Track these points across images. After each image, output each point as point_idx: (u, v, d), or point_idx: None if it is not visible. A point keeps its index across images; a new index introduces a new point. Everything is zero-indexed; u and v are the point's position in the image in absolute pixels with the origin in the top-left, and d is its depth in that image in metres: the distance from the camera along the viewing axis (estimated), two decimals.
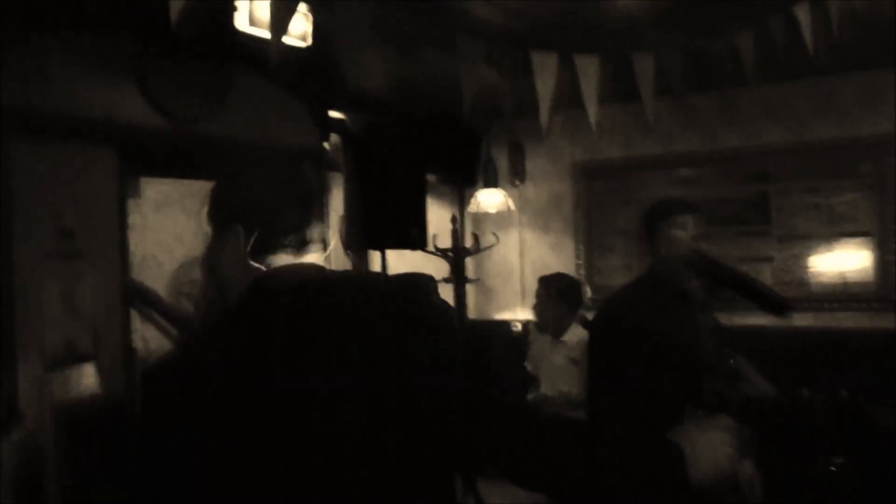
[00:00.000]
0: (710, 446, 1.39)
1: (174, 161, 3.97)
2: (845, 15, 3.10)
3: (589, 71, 3.12)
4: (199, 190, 4.08)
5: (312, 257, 1.43)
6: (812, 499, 4.55)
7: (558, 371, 4.22)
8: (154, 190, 3.96)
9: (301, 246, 1.42)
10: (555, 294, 4.42)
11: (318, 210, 1.49)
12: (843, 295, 5.11)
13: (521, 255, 6.22)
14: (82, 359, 3.40)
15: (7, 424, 2.70)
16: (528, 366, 4.59)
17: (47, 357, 3.28)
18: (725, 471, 1.38)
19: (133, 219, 3.83)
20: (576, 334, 4.25)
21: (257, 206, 1.42)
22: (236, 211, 1.43)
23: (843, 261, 5.17)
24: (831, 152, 5.15)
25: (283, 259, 1.42)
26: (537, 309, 4.58)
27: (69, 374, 3.33)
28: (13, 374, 3.15)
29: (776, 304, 1.57)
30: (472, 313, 6.19)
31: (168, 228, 4.02)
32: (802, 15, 3.06)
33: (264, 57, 2.45)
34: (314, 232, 1.45)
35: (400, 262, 4.62)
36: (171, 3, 1.93)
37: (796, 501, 4.55)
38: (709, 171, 5.57)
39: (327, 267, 1.46)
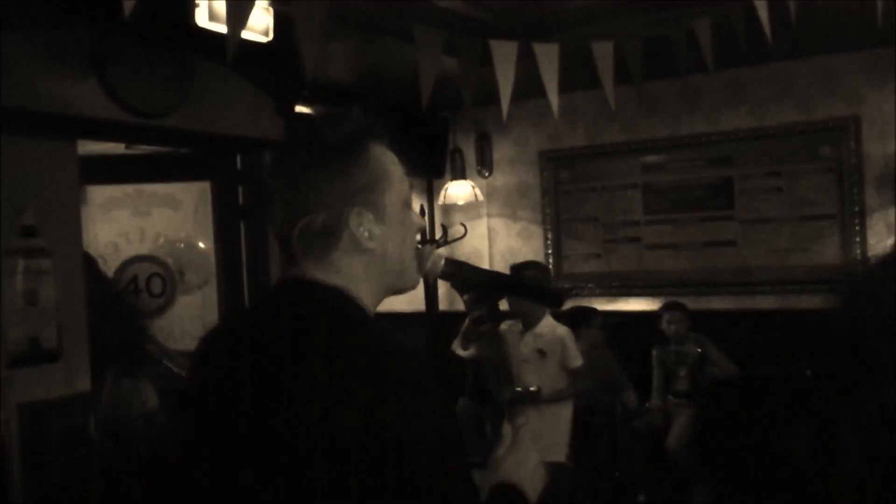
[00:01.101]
0: (527, 467, 1.32)
1: (127, 165, 4.03)
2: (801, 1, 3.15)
3: (549, 59, 3.14)
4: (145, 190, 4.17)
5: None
6: (771, 469, 4.63)
7: (523, 364, 4.17)
8: (99, 194, 4.05)
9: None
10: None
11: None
12: (807, 277, 5.19)
13: (490, 244, 6.25)
14: (47, 357, 3.37)
15: None
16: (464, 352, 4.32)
17: (11, 355, 3.25)
18: (546, 483, 1.32)
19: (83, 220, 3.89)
20: (548, 325, 4.21)
21: None
22: None
23: (805, 243, 5.25)
24: (792, 136, 5.23)
25: None
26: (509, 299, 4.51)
27: (33, 372, 3.30)
28: None
29: (553, 297, 1.50)
30: (442, 304, 6.21)
31: (116, 228, 4.12)
32: (759, 1, 3.10)
33: (225, 51, 2.44)
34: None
35: None
36: None
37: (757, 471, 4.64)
38: (673, 157, 5.64)
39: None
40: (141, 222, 4.27)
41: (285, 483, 1.10)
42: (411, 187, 1.31)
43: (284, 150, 1.30)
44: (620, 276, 5.76)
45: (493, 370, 4.45)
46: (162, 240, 4.33)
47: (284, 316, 1.22)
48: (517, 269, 4.60)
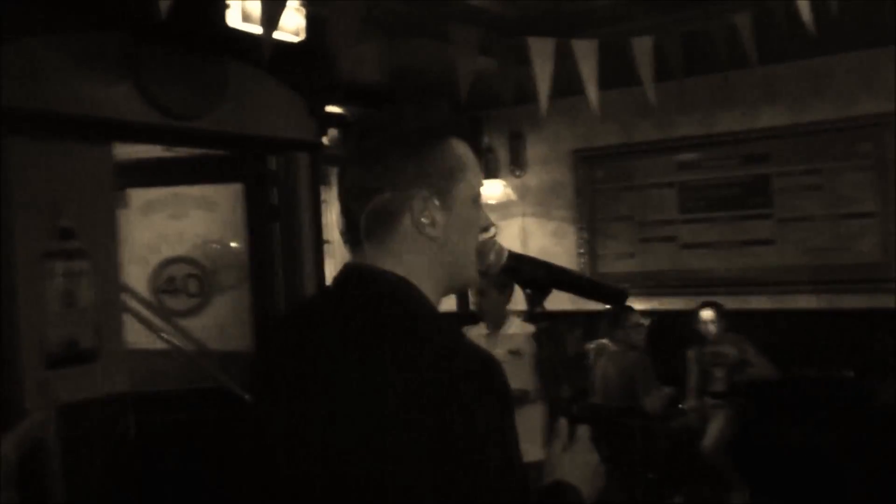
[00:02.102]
0: (584, 468, 1.30)
1: (164, 169, 4.08)
2: None
3: (588, 55, 3.10)
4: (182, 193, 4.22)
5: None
6: (811, 474, 4.56)
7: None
8: (139, 197, 4.12)
9: None
10: (493, 281, 3.81)
11: None
12: (846, 276, 5.09)
13: (524, 244, 6.21)
14: (85, 357, 3.40)
15: (10, 422, 2.71)
16: None
17: (50, 356, 3.28)
18: (601, 484, 1.31)
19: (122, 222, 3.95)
20: (516, 326, 3.98)
21: None
22: None
23: (845, 242, 5.15)
24: (831, 133, 5.13)
25: None
26: (478, 299, 4.17)
27: (72, 372, 3.33)
28: (16, 372, 3.16)
29: (613, 295, 1.46)
30: (474, 305, 6.17)
31: (155, 230, 4.19)
32: None
33: (260, 52, 2.44)
34: None
35: None
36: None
37: (798, 476, 4.56)
38: (708, 155, 5.56)
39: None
40: (178, 224, 4.34)
41: (342, 477, 1.10)
42: (482, 186, 1.30)
43: (363, 131, 1.31)
44: (655, 276, 5.69)
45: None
46: (198, 241, 4.38)
47: (345, 307, 1.22)
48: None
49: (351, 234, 1.25)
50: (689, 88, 5.12)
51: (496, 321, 4.01)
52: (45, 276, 3.30)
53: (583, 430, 1.33)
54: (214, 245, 4.39)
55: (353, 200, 1.24)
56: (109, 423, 3.46)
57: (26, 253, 3.23)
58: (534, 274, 1.35)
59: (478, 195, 1.28)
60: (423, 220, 1.21)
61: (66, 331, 3.34)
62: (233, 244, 4.42)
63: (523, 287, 1.35)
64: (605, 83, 3.44)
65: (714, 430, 4.87)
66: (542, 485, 1.27)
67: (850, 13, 3.32)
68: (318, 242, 4.59)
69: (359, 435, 1.10)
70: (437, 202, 1.21)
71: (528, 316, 1.28)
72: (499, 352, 3.89)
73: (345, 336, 1.18)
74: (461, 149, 1.27)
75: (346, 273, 1.26)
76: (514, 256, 1.33)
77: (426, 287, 1.23)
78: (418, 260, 1.23)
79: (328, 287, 1.31)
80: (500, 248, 1.33)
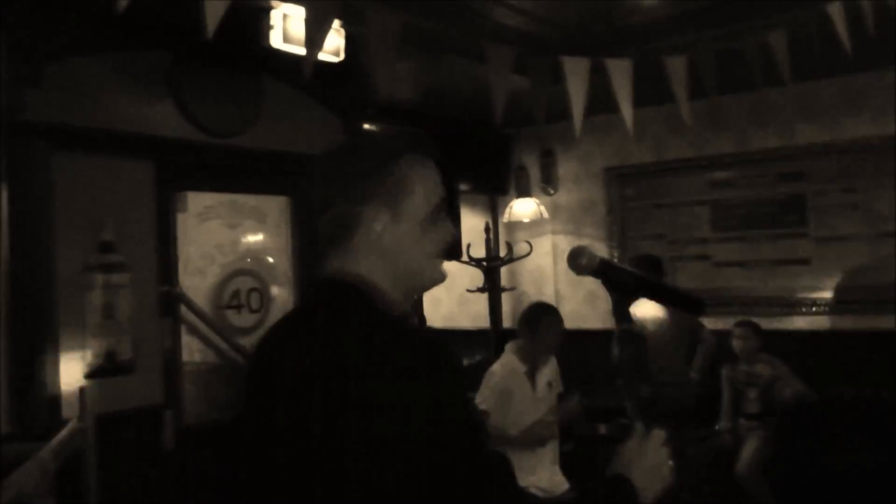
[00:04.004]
0: (654, 469, 1.40)
1: (218, 175, 4.05)
2: (878, 11, 3.07)
3: (622, 74, 3.12)
4: (238, 201, 4.16)
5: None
6: (848, 497, 4.48)
7: (541, 403, 3.98)
8: (197, 203, 4.01)
9: None
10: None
11: None
12: (883, 296, 5.01)
13: (555, 261, 6.21)
14: (122, 369, 3.46)
15: (49, 431, 2.76)
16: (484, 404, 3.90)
17: (89, 366, 3.35)
18: (669, 485, 1.40)
19: (178, 231, 3.88)
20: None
21: None
22: None
23: (883, 261, 5.08)
24: (867, 151, 5.07)
25: None
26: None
27: (110, 383, 3.39)
28: (56, 382, 3.22)
29: (693, 303, 1.55)
30: (506, 322, 6.19)
31: (210, 240, 4.05)
32: (836, 12, 3.03)
33: (298, 72, 2.49)
34: None
35: None
36: (207, 16, 1.97)
37: (835, 500, 4.49)
38: (742, 173, 5.52)
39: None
40: (232, 234, 4.17)
41: (300, 476, 1.21)
42: (443, 202, 1.42)
43: (327, 153, 1.44)
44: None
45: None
46: (253, 253, 4.27)
47: (308, 309, 1.42)
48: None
49: (318, 244, 1.40)
50: (723, 106, 5.11)
51: (542, 358, 4.05)
52: (85, 289, 3.37)
53: (658, 432, 1.43)
54: (267, 258, 4.31)
55: (316, 213, 1.39)
56: (146, 435, 3.52)
57: (68, 266, 3.31)
58: (621, 279, 1.45)
59: (433, 209, 1.39)
60: (375, 229, 1.34)
61: (104, 342, 3.40)
62: (282, 258, 4.37)
63: (611, 291, 1.46)
64: (637, 101, 3.45)
65: (748, 451, 4.81)
66: (606, 475, 1.38)
67: (887, 30, 3.30)
68: None
69: (321, 417, 1.19)
70: (386, 215, 1.34)
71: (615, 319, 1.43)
72: (541, 387, 3.95)
73: (308, 333, 1.31)
74: (413, 166, 1.39)
75: (312, 279, 1.45)
76: (604, 262, 1.46)
77: (385, 285, 1.36)
78: (374, 264, 1.35)
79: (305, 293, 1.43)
80: (592, 255, 1.45)
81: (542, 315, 4.00)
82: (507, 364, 3.98)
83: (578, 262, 1.44)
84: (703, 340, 5.10)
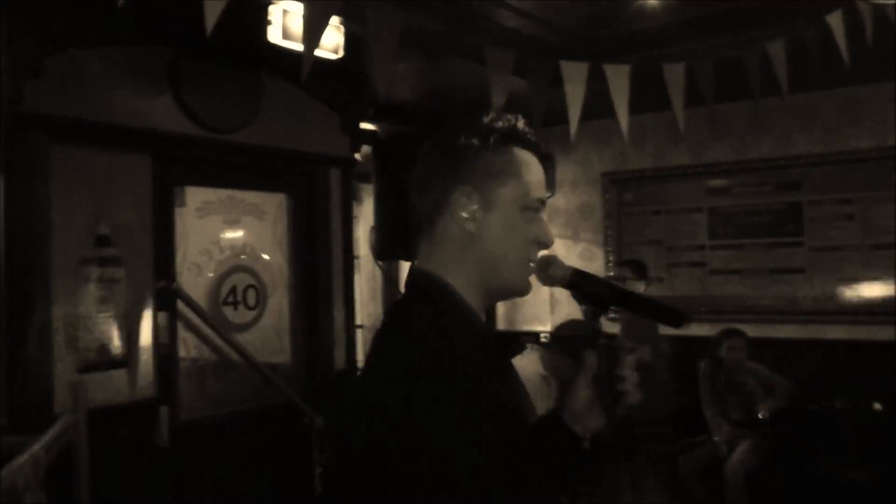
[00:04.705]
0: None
1: (217, 170, 4.03)
2: (878, 23, 3.07)
3: (620, 80, 3.12)
4: (237, 197, 4.15)
5: None
6: None
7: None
8: (196, 198, 3.99)
9: None
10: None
11: None
12: (878, 307, 5.03)
13: None
14: (115, 363, 3.45)
15: (42, 426, 2.75)
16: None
17: (81, 361, 3.34)
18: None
19: (177, 226, 3.86)
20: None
21: None
22: None
23: (878, 272, 5.09)
24: (865, 162, 5.09)
25: None
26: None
27: (102, 377, 3.39)
28: (49, 376, 3.22)
29: (673, 315, 1.42)
30: (500, 324, 6.19)
31: (208, 235, 4.03)
32: (835, 23, 3.04)
33: (297, 68, 2.49)
34: None
35: None
36: (207, 12, 1.97)
37: None
38: (739, 181, 5.54)
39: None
40: (230, 229, 4.13)
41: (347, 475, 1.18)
42: (541, 201, 1.34)
43: (436, 132, 1.37)
44: (683, 301, 5.66)
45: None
46: (250, 250, 4.24)
47: (389, 312, 1.36)
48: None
49: (416, 233, 1.34)
50: (722, 114, 5.12)
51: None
52: (80, 282, 3.36)
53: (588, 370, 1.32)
54: (264, 255, 4.30)
55: (409, 197, 1.33)
56: (140, 430, 3.51)
57: (64, 258, 3.30)
58: (595, 291, 1.35)
59: (530, 204, 1.31)
60: (462, 213, 1.26)
61: (98, 336, 3.40)
62: (278, 255, 4.36)
63: (580, 303, 1.36)
64: (637, 107, 3.46)
65: (735, 458, 4.80)
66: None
67: (885, 43, 3.31)
68: (349, 257, 4.63)
69: (364, 426, 1.16)
70: (477, 199, 1.26)
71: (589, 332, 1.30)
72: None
73: (382, 335, 1.26)
74: (514, 154, 1.31)
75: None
76: (576, 273, 1.34)
77: (459, 283, 1.28)
78: (454, 255, 1.28)
79: None
80: (561, 264, 1.34)
81: None
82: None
83: (548, 272, 1.33)
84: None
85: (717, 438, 4.93)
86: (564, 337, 4.05)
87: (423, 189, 1.30)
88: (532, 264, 1.31)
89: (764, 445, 4.83)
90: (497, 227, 1.27)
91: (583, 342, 1.34)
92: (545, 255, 1.34)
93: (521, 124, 1.35)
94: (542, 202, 1.33)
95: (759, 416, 4.85)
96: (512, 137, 1.32)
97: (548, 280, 1.34)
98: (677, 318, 1.37)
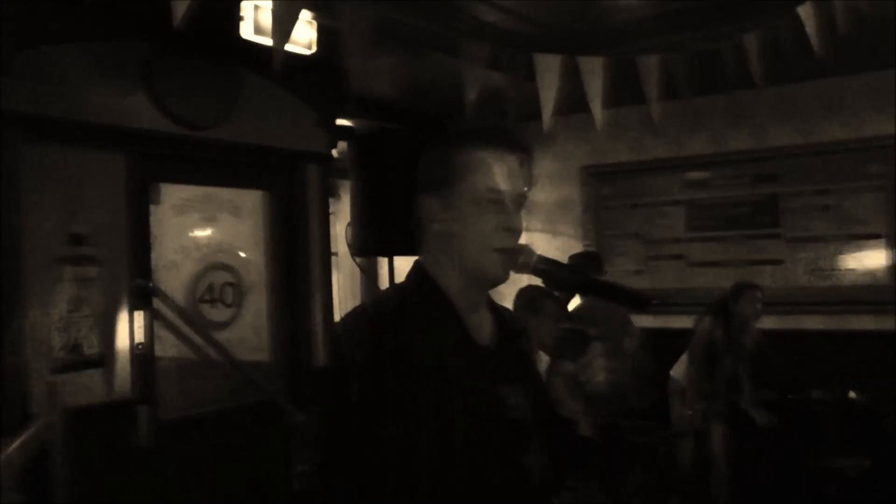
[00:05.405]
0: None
1: (193, 167, 3.99)
2: (851, 15, 3.09)
3: (593, 72, 3.12)
4: (213, 194, 4.11)
5: None
6: (820, 499, 4.52)
7: None
8: (172, 195, 3.94)
9: None
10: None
11: None
12: (854, 297, 5.08)
13: None
14: (89, 363, 3.42)
15: (17, 426, 2.73)
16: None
17: (56, 361, 3.31)
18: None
19: (153, 224, 3.81)
20: None
21: None
22: None
23: (854, 263, 5.14)
24: (840, 154, 5.13)
25: None
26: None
27: (78, 377, 3.35)
28: (24, 377, 3.18)
29: (636, 299, 1.49)
30: None
31: (185, 233, 3.99)
32: (806, 15, 3.05)
33: (269, 64, 2.47)
34: None
35: (408, 267, 4.62)
36: (174, 7, 1.94)
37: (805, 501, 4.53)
38: (717, 174, 5.57)
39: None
40: (208, 227, 4.07)
41: None
42: (499, 192, 1.42)
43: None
44: (663, 294, 5.69)
45: None
46: (228, 247, 4.20)
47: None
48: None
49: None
50: (699, 107, 5.15)
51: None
52: (54, 281, 3.33)
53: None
54: (241, 252, 4.26)
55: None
56: (119, 430, 3.48)
57: (37, 258, 3.26)
58: (561, 277, 1.42)
59: (484, 196, 1.39)
60: (428, 217, 1.41)
61: (71, 336, 3.36)
62: (255, 253, 4.32)
63: (552, 289, 1.47)
64: (614, 100, 3.46)
65: (718, 446, 4.82)
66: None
67: (860, 35, 3.32)
68: (327, 254, 4.61)
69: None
70: (437, 201, 1.39)
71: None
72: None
73: None
74: (469, 155, 1.40)
75: None
76: (544, 260, 1.42)
77: (448, 277, 1.41)
78: (437, 254, 1.42)
79: None
80: (530, 252, 1.43)
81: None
82: None
83: (517, 261, 1.42)
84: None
85: (690, 412, 4.93)
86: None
87: (413, 198, 1.46)
88: (498, 252, 1.39)
89: (743, 434, 4.84)
90: (457, 223, 1.39)
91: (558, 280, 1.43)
92: (520, 245, 1.43)
93: (487, 124, 1.49)
94: (498, 192, 1.39)
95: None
96: (469, 138, 1.42)
97: (517, 268, 1.42)
98: (641, 303, 1.43)
